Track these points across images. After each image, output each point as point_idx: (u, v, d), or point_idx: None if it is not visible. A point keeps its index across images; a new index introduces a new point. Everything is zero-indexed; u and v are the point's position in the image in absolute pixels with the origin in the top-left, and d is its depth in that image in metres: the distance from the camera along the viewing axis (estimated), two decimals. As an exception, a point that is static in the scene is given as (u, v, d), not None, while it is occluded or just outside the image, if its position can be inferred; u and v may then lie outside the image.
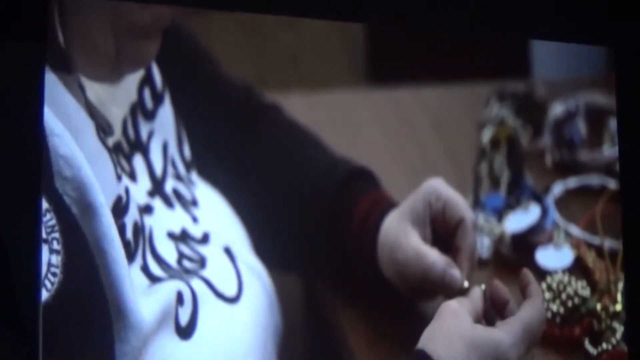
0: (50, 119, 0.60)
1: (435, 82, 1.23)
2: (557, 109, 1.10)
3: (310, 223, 0.78)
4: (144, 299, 0.63)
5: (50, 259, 0.59)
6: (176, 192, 0.73)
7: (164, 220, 0.69)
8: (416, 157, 1.09)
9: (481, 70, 1.24)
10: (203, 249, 0.72)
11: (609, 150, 1.03)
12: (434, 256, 0.72)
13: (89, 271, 0.60)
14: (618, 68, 0.94)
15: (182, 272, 0.69)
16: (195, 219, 0.73)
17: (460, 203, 0.74)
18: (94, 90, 0.66)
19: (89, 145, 0.61)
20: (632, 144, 0.95)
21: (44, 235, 0.58)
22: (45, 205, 0.59)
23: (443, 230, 0.75)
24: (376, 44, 1.51)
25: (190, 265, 0.70)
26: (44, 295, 0.58)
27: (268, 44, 1.44)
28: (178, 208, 0.72)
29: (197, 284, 0.68)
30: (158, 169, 0.71)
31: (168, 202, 0.71)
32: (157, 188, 0.70)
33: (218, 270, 0.71)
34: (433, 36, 1.42)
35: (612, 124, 1.05)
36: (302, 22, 1.52)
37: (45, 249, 0.59)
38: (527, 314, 0.68)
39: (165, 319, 0.64)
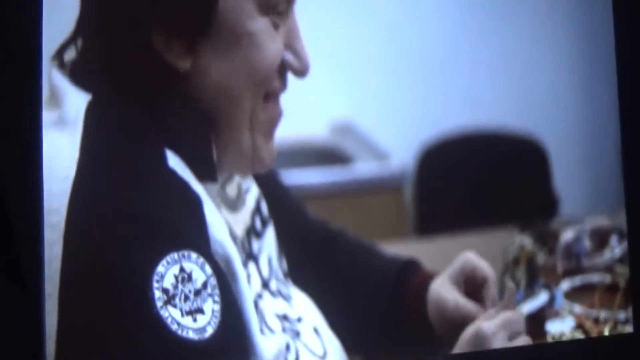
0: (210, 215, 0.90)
1: (471, 230, 1.52)
2: (568, 235, 1.38)
3: (378, 301, 1.08)
4: (264, 341, 0.92)
5: (213, 307, 0.87)
6: (278, 290, 1.02)
7: (271, 305, 0.99)
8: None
9: (510, 217, 1.54)
10: (298, 326, 1.01)
11: (609, 254, 1.31)
12: (469, 305, 1.03)
13: (236, 316, 0.89)
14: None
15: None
16: (291, 307, 1.03)
17: (485, 266, 1.06)
18: (223, 214, 0.96)
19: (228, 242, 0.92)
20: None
21: (209, 291, 0.87)
22: (209, 271, 0.87)
23: (473, 285, 1.05)
24: (422, 206, 1.84)
25: (291, 335, 1.00)
26: (209, 332, 0.85)
27: (332, 213, 1.77)
28: (280, 299, 1.01)
29: (297, 343, 0.98)
30: (265, 274, 1.01)
31: (273, 295, 1.01)
32: (265, 285, 1.00)
33: (310, 339, 1.01)
34: (470, 192, 1.72)
35: (613, 239, 1.34)
36: (363, 201, 1.88)
37: (210, 301, 0.87)
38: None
39: (279, 358, 0.94)
